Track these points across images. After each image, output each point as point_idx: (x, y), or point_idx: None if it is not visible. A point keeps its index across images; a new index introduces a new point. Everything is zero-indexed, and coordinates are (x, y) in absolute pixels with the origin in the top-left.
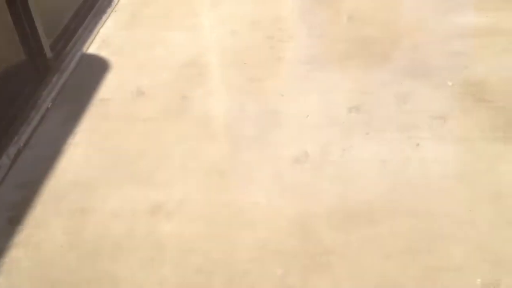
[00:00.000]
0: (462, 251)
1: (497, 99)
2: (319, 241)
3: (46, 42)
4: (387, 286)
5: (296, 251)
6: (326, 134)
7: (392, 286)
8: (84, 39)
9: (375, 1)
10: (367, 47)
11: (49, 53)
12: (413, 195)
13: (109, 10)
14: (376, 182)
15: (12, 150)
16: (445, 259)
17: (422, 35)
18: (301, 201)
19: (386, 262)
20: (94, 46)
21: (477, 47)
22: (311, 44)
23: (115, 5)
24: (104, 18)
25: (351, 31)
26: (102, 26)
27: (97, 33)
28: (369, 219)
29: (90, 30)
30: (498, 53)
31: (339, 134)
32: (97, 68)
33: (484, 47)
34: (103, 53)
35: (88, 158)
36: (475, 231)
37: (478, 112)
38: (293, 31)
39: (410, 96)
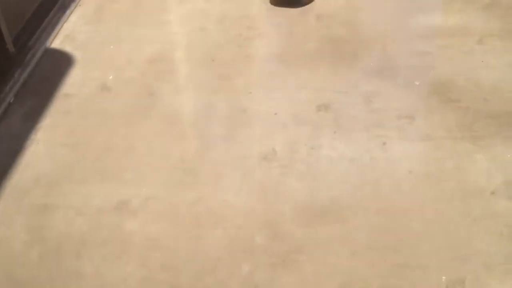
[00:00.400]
0: (428, 249)
1: (464, 99)
2: (286, 239)
3: (8, 36)
4: (354, 283)
5: (264, 249)
6: (294, 132)
7: (358, 283)
8: (47, 34)
9: (344, 1)
10: (336, 46)
11: (11, 48)
12: (381, 193)
13: (73, 4)
14: (344, 180)
15: None
16: (412, 256)
17: (390, 36)
18: (269, 199)
19: (353, 259)
20: (58, 41)
21: (444, 48)
22: (279, 42)
23: (80, 0)
24: (68, 12)
25: (319, 31)
26: (66, 20)
27: (61, 27)
28: (337, 217)
29: (53, 24)
30: (465, 53)
31: (308, 132)
32: (61, 63)
33: (450, 47)
34: (67, 48)
35: (51, 154)
36: (441, 229)
37: (444, 111)
38: (262, 29)
39: (378, 95)
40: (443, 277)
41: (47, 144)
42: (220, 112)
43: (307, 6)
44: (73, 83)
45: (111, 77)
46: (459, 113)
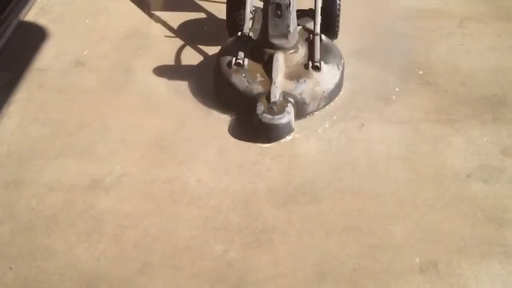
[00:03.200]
0: (402, 231)
1: (442, 82)
2: (261, 219)
3: None
4: (327, 264)
5: (239, 229)
6: None
7: (332, 264)
8: (21, 6)
9: None
10: None
11: None
12: (356, 175)
13: None
14: (321, 161)
15: None
16: (385, 238)
17: (370, 17)
18: (244, 178)
19: (327, 240)
20: (32, 13)
21: (424, 30)
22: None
23: None
24: None
25: None
26: None
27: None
28: (312, 198)
29: None
30: (444, 36)
31: None
32: (35, 37)
33: (430, 30)
34: (42, 21)
35: (23, 129)
36: (415, 211)
37: (422, 94)
38: None
39: (356, 76)
40: (417, 259)
41: (19, 118)
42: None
43: None
44: (47, 57)
45: (86, 51)
46: (437, 96)
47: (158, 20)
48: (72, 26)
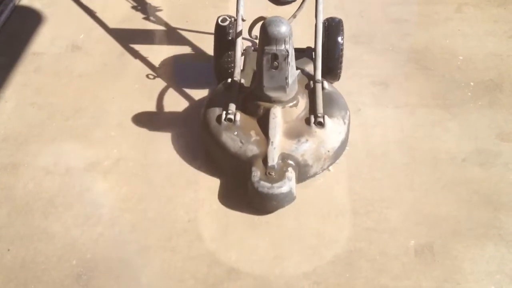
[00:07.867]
0: (397, 214)
1: (438, 67)
2: None
3: None
4: (323, 246)
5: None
6: None
7: (327, 246)
8: None
9: None
10: (312, 11)
11: None
12: (353, 159)
13: None
14: None
15: None
16: (381, 221)
17: (366, 1)
18: None
19: (322, 222)
20: None
21: (421, 15)
22: (255, 5)
23: None
24: None
25: None
26: None
27: None
28: (307, 181)
29: None
30: (441, 21)
31: None
32: (30, 21)
33: (428, 15)
34: (37, 5)
35: (19, 113)
36: (411, 194)
37: (419, 79)
38: None
39: (353, 61)
40: (412, 241)
41: (15, 103)
42: (194, 74)
43: None
44: (42, 42)
45: (81, 36)
46: (433, 81)
47: (154, 4)
48: (68, 10)
